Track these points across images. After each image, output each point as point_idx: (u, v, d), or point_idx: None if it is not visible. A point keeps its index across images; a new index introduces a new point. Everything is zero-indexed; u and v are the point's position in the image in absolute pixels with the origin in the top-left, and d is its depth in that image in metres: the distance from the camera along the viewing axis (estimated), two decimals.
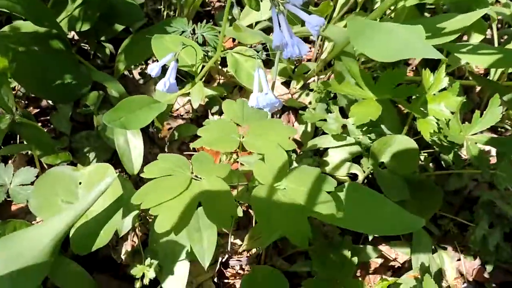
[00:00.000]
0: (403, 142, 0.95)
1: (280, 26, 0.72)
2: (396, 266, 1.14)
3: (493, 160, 1.12)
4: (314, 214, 0.68)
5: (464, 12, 1.12)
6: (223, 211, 0.65)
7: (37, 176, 0.88)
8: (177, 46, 0.99)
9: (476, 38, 1.37)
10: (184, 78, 1.34)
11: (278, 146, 0.71)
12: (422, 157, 1.17)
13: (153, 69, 0.94)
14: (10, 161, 1.07)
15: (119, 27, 1.30)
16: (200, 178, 0.69)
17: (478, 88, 1.49)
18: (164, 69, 0.96)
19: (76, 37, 1.38)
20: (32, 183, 0.88)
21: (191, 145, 0.75)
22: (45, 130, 0.95)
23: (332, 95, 1.25)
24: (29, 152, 1.13)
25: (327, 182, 0.71)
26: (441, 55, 0.66)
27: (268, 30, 1.36)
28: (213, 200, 0.65)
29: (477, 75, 1.34)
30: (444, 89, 0.98)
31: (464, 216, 1.17)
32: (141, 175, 0.71)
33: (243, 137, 0.76)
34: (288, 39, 0.73)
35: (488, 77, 1.37)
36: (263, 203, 0.65)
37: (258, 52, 0.81)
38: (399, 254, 1.14)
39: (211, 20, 1.65)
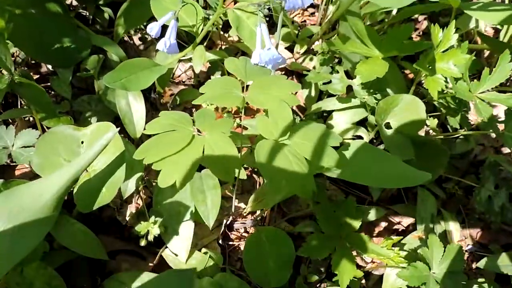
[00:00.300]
0: (410, 101, 0.93)
1: None
2: (400, 230, 1.15)
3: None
4: (320, 168, 0.67)
5: None
6: (227, 165, 0.64)
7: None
8: (176, 6, 0.96)
9: None
10: (185, 43, 1.31)
11: (281, 101, 0.70)
12: (428, 122, 1.16)
13: (152, 28, 0.91)
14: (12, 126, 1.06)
15: None
16: (203, 133, 0.68)
17: (486, 53, 1.45)
18: (164, 30, 0.93)
19: (74, 3, 1.35)
20: (34, 145, 0.87)
21: (194, 102, 0.73)
22: (35, 83, 0.93)
23: (336, 60, 1.22)
24: (31, 119, 1.12)
25: (332, 137, 0.70)
26: None
27: None
28: (216, 154, 0.64)
29: (486, 36, 1.30)
30: (453, 47, 0.95)
31: (469, 180, 1.17)
32: (143, 131, 0.70)
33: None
34: None
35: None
36: (268, 157, 0.64)
37: (260, 6, 0.78)
38: (403, 218, 1.14)
39: None
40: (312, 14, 1.48)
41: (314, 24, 1.41)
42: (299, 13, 1.46)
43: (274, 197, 0.93)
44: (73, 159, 0.76)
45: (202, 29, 1.00)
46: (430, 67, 0.94)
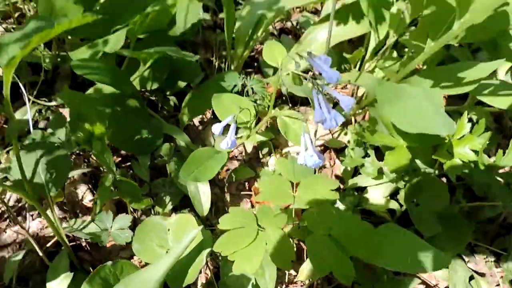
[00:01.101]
0: (434, 185, 1.08)
1: (320, 104, 0.89)
2: None
3: None
4: (357, 254, 0.85)
5: (492, 48, 1.24)
6: (284, 256, 0.84)
7: (132, 221, 1.11)
8: (234, 104, 1.19)
9: (505, 67, 1.47)
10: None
11: (324, 201, 0.89)
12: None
13: (217, 128, 1.14)
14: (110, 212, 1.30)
15: (182, 84, 1.53)
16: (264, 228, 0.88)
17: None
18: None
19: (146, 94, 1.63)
20: (129, 228, 1.10)
21: (254, 199, 0.94)
22: (131, 181, 1.18)
23: None
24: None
25: (366, 227, 0.87)
26: (452, 126, 0.81)
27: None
28: (276, 247, 0.84)
29: None
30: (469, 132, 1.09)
31: (500, 243, 1.26)
32: (217, 226, 0.91)
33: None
34: (327, 115, 0.90)
35: None
36: (316, 249, 0.83)
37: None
38: (439, 281, 1.25)
39: (255, 63, 1.85)
40: (344, 87, 1.68)
41: None
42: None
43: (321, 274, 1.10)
44: (163, 244, 0.99)
45: (255, 124, 1.23)
46: (448, 152, 1.10)
